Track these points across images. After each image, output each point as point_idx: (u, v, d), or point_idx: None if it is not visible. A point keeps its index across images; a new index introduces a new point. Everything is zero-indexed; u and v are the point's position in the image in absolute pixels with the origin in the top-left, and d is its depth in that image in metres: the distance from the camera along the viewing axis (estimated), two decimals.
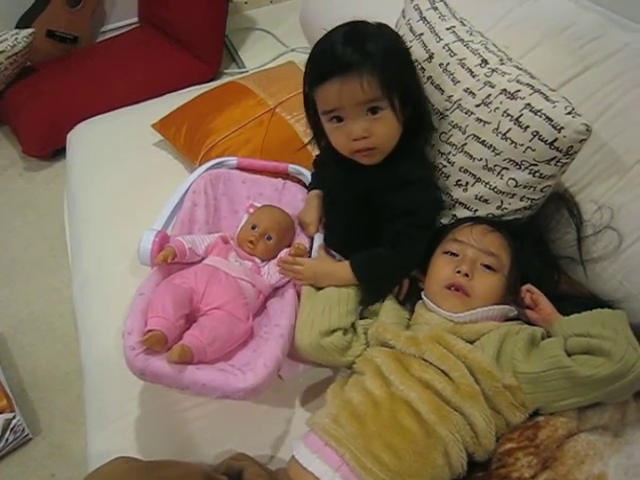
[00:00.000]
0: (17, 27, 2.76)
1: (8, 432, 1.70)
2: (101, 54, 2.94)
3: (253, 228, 1.35)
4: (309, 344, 1.18)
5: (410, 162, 1.25)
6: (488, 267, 1.18)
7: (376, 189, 1.25)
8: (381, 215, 1.26)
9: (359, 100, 1.15)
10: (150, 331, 1.09)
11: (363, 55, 1.13)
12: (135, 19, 3.16)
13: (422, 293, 1.25)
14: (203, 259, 1.33)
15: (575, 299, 1.24)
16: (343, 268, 1.25)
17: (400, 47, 1.23)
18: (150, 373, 1.08)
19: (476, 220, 1.27)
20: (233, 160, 1.60)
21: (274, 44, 3.18)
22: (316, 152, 1.59)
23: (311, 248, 1.37)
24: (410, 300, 1.30)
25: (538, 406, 1.05)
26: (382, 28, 1.21)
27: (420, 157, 1.32)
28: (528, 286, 1.19)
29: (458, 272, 1.17)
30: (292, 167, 1.57)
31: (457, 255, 1.21)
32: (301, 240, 1.40)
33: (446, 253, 1.23)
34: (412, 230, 1.24)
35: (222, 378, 1.08)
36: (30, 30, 2.66)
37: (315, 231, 1.39)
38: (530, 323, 1.17)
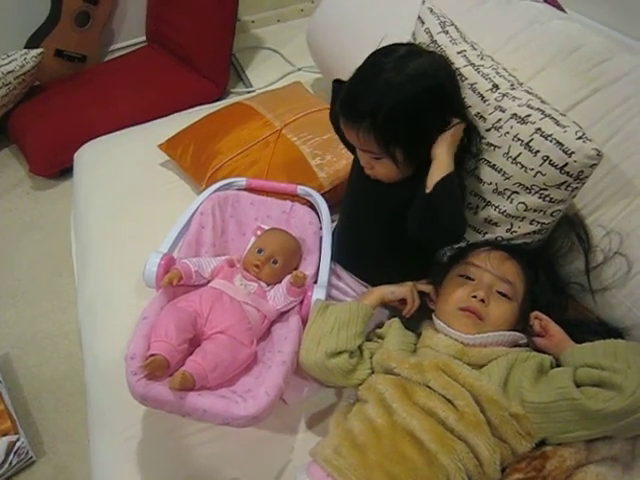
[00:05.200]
0: (26, 47, 2.78)
1: (12, 455, 1.68)
2: (109, 73, 2.96)
3: (259, 252, 1.34)
4: (314, 363, 1.17)
5: None
6: (503, 295, 1.18)
7: (407, 205, 1.24)
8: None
9: (357, 145, 1.23)
10: (152, 355, 1.09)
11: (365, 112, 1.15)
12: (143, 38, 3.18)
13: (432, 314, 1.24)
14: (209, 282, 1.32)
15: (584, 326, 1.23)
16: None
17: (423, 99, 1.14)
18: (151, 399, 1.07)
19: (493, 246, 1.27)
20: (242, 181, 1.60)
21: (281, 63, 3.19)
22: (322, 175, 1.59)
23: (316, 274, 1.37)
24: (417, 322, 1.29)
25: (544, 436, 1.03)
26: (416, 71, 1.15)
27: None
28: (536, 313, 1.18)
29: (474, 297, 1.17)
30: (301, 188, 1.57)
31: (473, 279, 1.20)
32: (308, 264, 1.40)
33: (462, 276, 1.22)
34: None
35: (223, 405, 1.07)
36: (39, 50, 2.68)
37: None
38: (539, 350, 1.15)
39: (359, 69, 1.21)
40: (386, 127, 1.14)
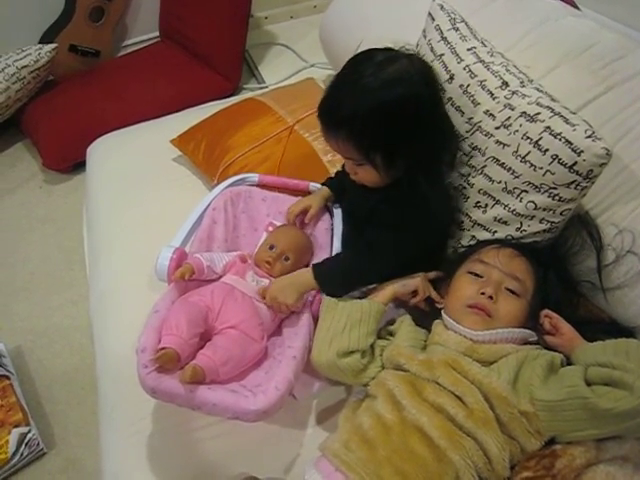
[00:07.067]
0: (41, 42, 2.81)
1: (23, 446, 1.70)
2: (122, 68, 2.98)
3: (271, 248, 1.35)
4: (325, 362, 1.17)
5: (430, 186, 1.23)
6: (512, 292, 1.17)
7: (384, 203, 1.27)
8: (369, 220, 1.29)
9: (339, 153, 1.24)
10: (163, 349, 1.10)
11: (342, 121, 1.17)
12: (156, 33, 3.19)
13: (442, 311, 1.23)
14: (221, 277, 1.33)
15: (596, 324, 1.23)
16: (305, 273, 1.26)
17: (399, 103, 1.15)
18: (162, 392, 1.08)
19: (502, 243, 1.26)
20: (254, 177, 1.60)
21: (294, 59, 3.20)
22: (334, 171, 1.60)
23: None
24: (428, 319, 1.28)
25: (554, 435, 1.03)
26: (392, 76, 1.15)
27: (439, 181, 1.31)
28: (547, 311, 1.17)
29: (482, 294, 1.16)
30: (313, 185, 1.57)
31: (482, 276, 1.20)
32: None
33: (470, 273, 1.22)
34: (395, 243, 1.25)
35: (233, 399, 1.08)
36: (53, 45, 2.71)
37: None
38: (550, 348, 1.15)
39: (337, 76, 1.22)
40: (364, 133, 1.15)
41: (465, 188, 1.32)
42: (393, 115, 1.15)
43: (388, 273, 1.30)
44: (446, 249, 1.40)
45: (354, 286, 1.30)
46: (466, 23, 1.40)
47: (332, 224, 1.48)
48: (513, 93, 1.24)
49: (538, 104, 1.20)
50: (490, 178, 1.27)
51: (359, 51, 1.24)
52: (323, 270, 1.26)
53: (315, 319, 1.26)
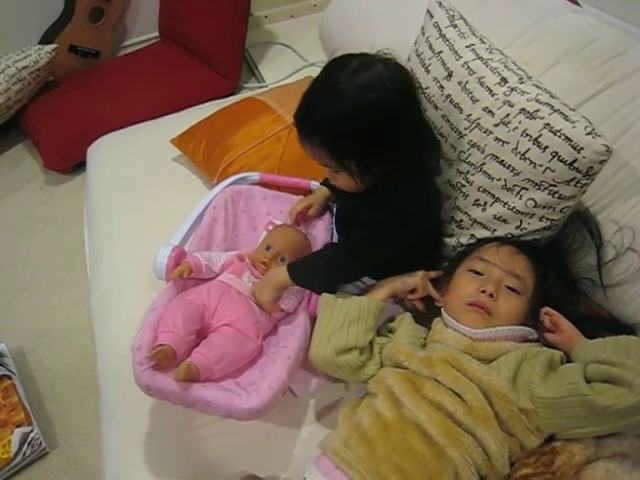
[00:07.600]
0: (40, 42, 2.81)
1: (25, 446, 1.71)
2: (122, 68, 2.98)
3: (267, 249, 1.35)
4: (323, 359, 1.17)
5: (407, 190, 1.22)
6: (512, 289, 1.17)
7: (363, 206, 1.27)
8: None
9: (315, 160, 1.23)
10: (159, 346, 1.10)
11: (315, 127, 1.16)
12: (156, 34, 3.19)
13: (442, 309, 1.23)
14: (218, 276, 1.33)
15: (596, 321, 1.22)
16: (281, 270, 1.26)
17: (371, 108, 1.13)
18: (156, 389, 1.08)
19: (502, 241, 1.26)
20: (255, 175, 1.61)
21: (294, 58, 3.19)
22: None
23: None
24: (428, 317, 1.28)
25: (553, 432, 1.03)
26: (366, 81, 1.14)
27: (420, 185, 1.28)
28: (547, 309, 1.17)
29: (482, 292, 1.16)
30: (314, 184, 1.57)
31: (482, 274, 1.19)
32: None
33: (471, 271, 1.21)
34: (370, 244, 1.25)
35: (226, 397, 1.08)
36: (53, 46, 2.71)
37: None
38: (550, 345, 1.14)
39: (313, 82, 1.21)
40: (336, 139, 1.15)
41: (464, 186, 1.32)
42: (365, 121, 1.13)
43: (365, 273, 1.32)
44: (442, 248, 1.40)
45: (328, 283, 1.29)
46: (464, 20, 1.39)
47: (332, 224, 1.48)
48: (512, 90, 1.24)
49: (537, 101, 1.19)
50: (489, 175, 1.26)
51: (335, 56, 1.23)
52: (297, 265, 1.26)
53: (312, 319, 1.26)
